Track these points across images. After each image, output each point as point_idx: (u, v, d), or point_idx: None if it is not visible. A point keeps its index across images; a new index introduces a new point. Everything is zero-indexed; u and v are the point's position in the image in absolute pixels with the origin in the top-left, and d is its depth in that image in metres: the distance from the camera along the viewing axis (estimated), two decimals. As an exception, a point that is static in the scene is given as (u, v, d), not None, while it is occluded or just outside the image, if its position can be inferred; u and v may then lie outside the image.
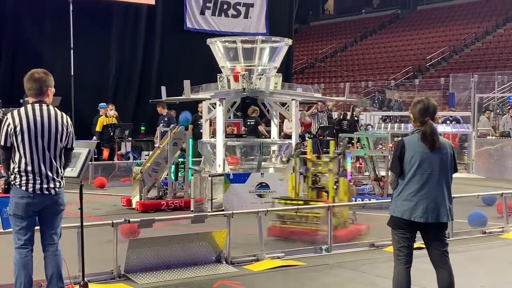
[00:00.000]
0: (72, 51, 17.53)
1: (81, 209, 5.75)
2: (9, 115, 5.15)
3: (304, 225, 8.39)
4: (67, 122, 5.21)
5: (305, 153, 9.34)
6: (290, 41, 12.27)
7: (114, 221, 6.50)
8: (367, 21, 45.25)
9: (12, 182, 5.10)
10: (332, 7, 53.72)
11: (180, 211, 10.59)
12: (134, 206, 10.94)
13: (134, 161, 15.25)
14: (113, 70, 19.75)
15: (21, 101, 15.27)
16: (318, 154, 9.50)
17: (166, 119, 16.43)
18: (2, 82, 17.84)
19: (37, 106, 5.15)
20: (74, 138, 5.29)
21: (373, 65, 36.91)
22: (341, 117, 22.03)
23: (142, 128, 17.68)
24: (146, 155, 16.62)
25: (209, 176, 10.76)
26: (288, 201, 8.93)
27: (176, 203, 10.99)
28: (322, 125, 20.62)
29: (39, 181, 5.07)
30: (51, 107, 5.20)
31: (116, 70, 19.81)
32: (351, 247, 7.87)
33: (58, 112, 5.21)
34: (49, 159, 5.09)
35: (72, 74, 17.42)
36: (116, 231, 6.47)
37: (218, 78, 11.52)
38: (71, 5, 17.61)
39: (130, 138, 16.70)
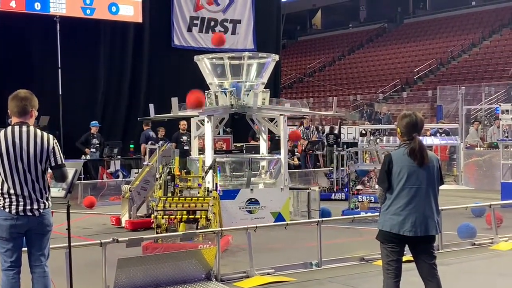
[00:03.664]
0: (59, 70, 17.52)
1: (68, 229, 5.70)
2: None
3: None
4: (48, 142, 5.15)
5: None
6: (277, 57, 12.32)
7: (102, 241, 6.46)
8: (354, 35, 45.53)
9: (-4, 205, 5.07)
10: (319, 22, 54.04)
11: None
12: (123, 224, 10.88)
13: (123, 179, 15.23)
14: (101, 88, 19.73)
15: (9, 121, 15.24)
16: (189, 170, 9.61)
17: (144, 136, 16.54)
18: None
19: (17, 128, 5.13)
20: (60, 155, 5.23)
21: (361, 79, 37.08)
22: (328, 132, 22.12)
23: (131, 146, 17.65)
24: (135, 173, 16.56)
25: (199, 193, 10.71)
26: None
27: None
28: (310, 139, 20.70)
29: (22, 203, 5.04)
30: (31, 128, 5.18)
31: (104, 88, 19.79)
32: (341, 262, 7.86)
33: (39, 133, 5.17)
34: (30, 181, 5.06)
35: (60, 93, 17.40)
36: (105, 250, 6.43)
37: (206, 95, 11.53)
38: (58, 24, 17.64)
39: (119, 156, 16.65)
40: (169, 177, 9.12)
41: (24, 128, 5.15)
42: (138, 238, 6.75)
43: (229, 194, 10.73)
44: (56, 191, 5.54)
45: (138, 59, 20.43)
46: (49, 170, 5.23)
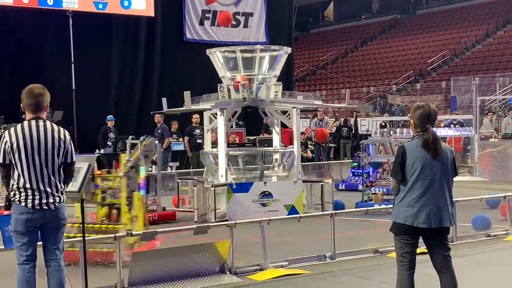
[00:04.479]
0: (73, 65, 17.60)
1: (82, 223, 5.75)
2: (6, 132, 5.17)
3: (98, 247, 7.38)
4: (64, 137, 5.21)
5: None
6: (289, 49, 12.28)
7: (116, 235, 6.49)
8: (367, 26, 45.30)
9: (12, 199, 5.11)
10: (332, 13, 53.81)
11: (154, 225, 10.02)
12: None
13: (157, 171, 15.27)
14: (114, 83, 19.80)
15: (23, 116, 15.32)
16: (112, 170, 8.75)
17: (159, 131, 16.49)
18: (4, 98, 17.88)
19: (33, 122, 5.16)
20: (73, 152, 5.28)
21: (374, 71, 36.91)
22: (341, 124, 22.05)
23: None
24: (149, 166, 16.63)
25: (212, 186, 10.75)
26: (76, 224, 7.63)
27: (149, 217, 10.32)
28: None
29: (38, 197, 5.07)
30: (47, 122, 5.21)
31: (117, 83, 19.86)
32: (355, 254, 7.85)
33: (55, 127, 5.22)
34: (47, 175, 5.09)
35: (73, 88, 17.49)
36: (119, 244, 6.46)
37: (218, 88, 11.53)
38: (70, 19, 17.72)
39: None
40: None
41: (41, 123, 5.18)
42: (152, 231, 6.78)
43: (242, 187, 10.74)
44: (71, 185, 5.57)
45: (150, 53, 20.47)
46: None
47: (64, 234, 5.37)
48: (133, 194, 8.03)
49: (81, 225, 6.55)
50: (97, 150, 16.37)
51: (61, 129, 5.26)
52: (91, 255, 6.99)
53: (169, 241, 7.57)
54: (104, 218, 8.02)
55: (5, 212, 5.33)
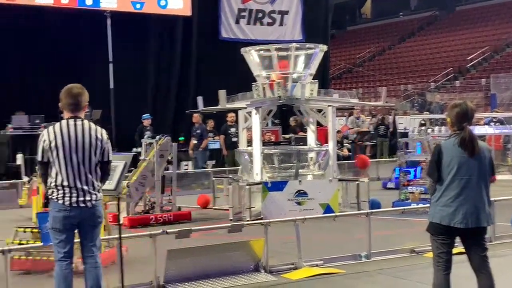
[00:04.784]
0: (110, 64, 17.81)
1: (119, 221, 5.82)
2: (45, 131, 5.27)
3: (45, 255, 7.00)
4: (101, 136, 5.28)
5: None
6: (325, 47, 12.21)
7: (152, 232, 6.55)
8: (405, 23, 44.84)
9: (50, 196, 5.20)
10: (369, 11, 53.38)
11: (170, 225, 10.13)
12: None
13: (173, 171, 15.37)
14: (151, 82, 19.98)
15: (61, 115, 15.55)
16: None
17: (198, 131, 16.55)
18: (44, 97, 18.18)
19: (71, 121, 5.24)
20: (110, 151, 5.35)
21: (412, 68, 36.52)
22: (379, 122, 21.87)
23: (181, 138, 17.81)
24: (185, 165, 16.76)
25: (247, 184, 10.77)
26: (29, 229, 7.35)
27: (164, 217, 10.59)
28: (361, 130, 20.55)
29: (75, 195, 5.15)
30: (85, 121, 5.29)
31: (154, 82, 20.05)
32: (390, 254, 7.77)
33: (93, 126, 5.29)
34: (84, 173, 5.17)
35: (111, 87, 17.70)
36: (155, 242, 6.51)
37: (253, 87, 11.54)
38: (108, 19, 17.93)
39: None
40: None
41: (79, 122, 5.26)
42: (187, 229, 6.82)
43: (277, 186, 10.74)
44: (107, 183, 5.65)
45: (186, 52, 20.59)
46: None
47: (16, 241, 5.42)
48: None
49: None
50: (134, 149, 16.51)
51: (99, 128, 5.33)
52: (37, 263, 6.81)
53: (204, 239, 7.61)
54: None
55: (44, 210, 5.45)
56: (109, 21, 17.93)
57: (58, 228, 5.20)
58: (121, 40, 18.38)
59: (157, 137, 10.97)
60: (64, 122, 5.26)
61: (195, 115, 16.26)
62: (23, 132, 15.70)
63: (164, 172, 11.22)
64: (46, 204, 5.33)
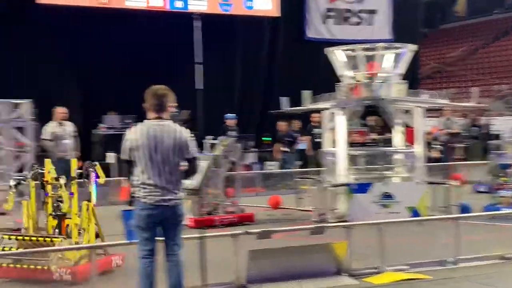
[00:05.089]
0: (196, 65, 18.13)
1: (202, 220, 5.89)
2: (128, 130, 5.43)
3: (32, 263, 6.87)
4: (183, 136, 5.38)
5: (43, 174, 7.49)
6: (414, 47, 11.92)
7: (233, 232, 6.60)
8: (499, 21, 43.18)
9: (134, 195, 5.34)
10: (462, 9, 51.78)
11: (234, 226, 9.91)
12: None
13: (257, 171, 15.54)
14: (238, 82, 20.17)
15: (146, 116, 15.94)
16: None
17: (288, 138, 16.50)
18: (134, 98, 18.67)
19: (155, 122, 5.37)
20: (194, 149, 5.43)
21: (506, 68, 35.13)
22: (471, 123, 21.17)
23: (266, 139, 17.89)
24: (270, 165, 16.81)
25: (331, 186, 10.67)
26: (20, 237, 7.20)
27: (229, 218, 10.50)
28: (452, 131, 19.95)
29: (158, 194, 5.26)
30: (168, 122, 5.40)
31: (240, 82, 20.22)
32: (479, 260, 7.49)
33: (175, 127, 5.40)
34: (166, 173, 5.28)
35: (199, 88, 18.02)
36: (237, 242, 6.55)
37: (338, 87, 11.43)
38: (196, 21, 18.26)
39: (254, 149, 16.91)
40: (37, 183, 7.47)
41: (162, 123, 5.39)
42: (268, 230, 6.83)
43: (362, 188, 10.58)
44: (190, 182, 5.74)
45: (272, 53, 20.67)
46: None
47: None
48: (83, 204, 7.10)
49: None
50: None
51: (181, 128, 5.43)
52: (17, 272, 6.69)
53: (285, 240, 7.59)
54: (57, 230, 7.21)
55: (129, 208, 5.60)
56: (197, 23, 18.25)
57: (142, 226, 5.34)
58: (210, 42, 18.67)
59: (220, 138, 10.99)
60: (147, 122, 5.40)
61: (280, 123, 16.29)
62: (114, 131, 16.18)
63: (229, 173, 11.18)
64: (130, 203, 5.47)
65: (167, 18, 18.76)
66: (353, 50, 11.51)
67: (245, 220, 10.72)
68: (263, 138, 18.14)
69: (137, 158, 5.30)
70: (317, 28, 21.52)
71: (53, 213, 7.23)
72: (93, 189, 7.21)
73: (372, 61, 11.25)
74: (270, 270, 6.67)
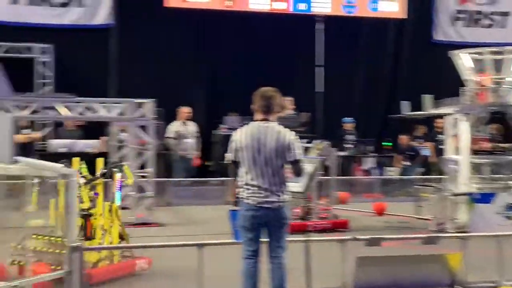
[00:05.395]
0: (317, 68, 18.05)
1: (305, 224, 5.83)
2: (235, 131, 5.47)
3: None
4: (287, 139, 5.33)
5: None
6: (548, 51, 11.17)
7: (341, 238, 6.47)
8: None
9: (239, 196, 5.38)
10: None
11: (327, 233, 9.66)
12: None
13: (377, 177, 15.23)
14: (359, 85, 19.88)
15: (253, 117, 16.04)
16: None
17: (412, 152, 16.01)
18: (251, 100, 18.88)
19: (260, 123, 5.38)
20: (297, 151, 5.36)
21: None
22: None
23: (387, 143, 17.50)
24: (390, 171, 16.43)
25: (452, 195, 10.25)
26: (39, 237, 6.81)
27: (323, 224, 10.12)
28: None
29: (262, 195, 5.27)
30: (273, 124, 5.39)
31: (362, 85, 19.90)
32: None
33: (279, 129, 5.38)
34: (270, 174, 5.28)
35: (320, 90, 17.93)
36: (344, 247, 6.42)
37: (462, 92, 10.95)
38: (320, 23, 18.18)
39: (373, 154, 16.60)
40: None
41: (267, 124, 5.39)
42: (378, 237, 6.64)
43: (485, 198, 10.09)
44: (296, 186, 5.70)
45: (396, 55, 20.17)
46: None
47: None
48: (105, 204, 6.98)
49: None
50: (338, 153, 16.58)
51: (285, 130, 5.40)
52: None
53: (396, 248, 7.37)
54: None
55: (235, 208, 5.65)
56: (319, 25, 18.17)
57: (246, 226, 5.38)
58: (332, 45, 18.54)
59: (315, 141, 10.79)
60: (253, 123, 5.43)
61: (402, 136, 15.89)
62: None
63: (324, 177, 10.93)
64: (236, 203, 5.51)
65: (290, 20, 18.82)
66: (480, 53, 10.98)
67: (339, 226, 10.39)
68: (383, 143, 17.75)
69: (241, 159, 5.34)
70: (445, 30, 20.74)
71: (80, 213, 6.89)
72: (117, 190, 7.16)
73: (499, 65, 10.67)
74: (378, 279, 6.48)
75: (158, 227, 10.52)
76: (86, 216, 6.82)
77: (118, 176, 7.20)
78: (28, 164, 5.26)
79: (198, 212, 11.96)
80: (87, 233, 6.78)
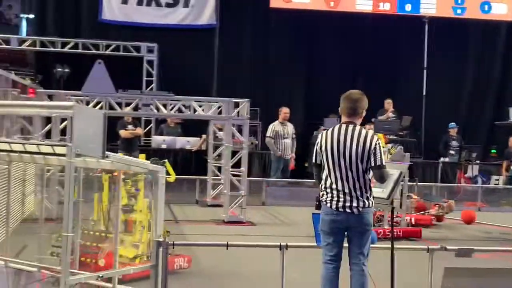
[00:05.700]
0: (425, 71, 17.57)
1: (391, 230, 5.68)
2: (320, 134, 5.40)
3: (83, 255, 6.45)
4: (370, 143, 5.18)
5: None
6: None
7: (430, 247, 6.24)
8: None
9: (321, 199, 5.30)
10: None
11: (398, 241, 9.13)
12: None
13: (481, 185, 14.61)
14: (467, 89, 19.19)
15: (372, 120, 15.84)
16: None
17: None
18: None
19: (344, 126, 5.27)
20: (381, 157, 5.21)
21: None
22: None
23: (493, 151, 16.79)
24: (495, 179, 15.73)
25: None
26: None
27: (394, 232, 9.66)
28: None
29: (343, 199, 5.17)
30: (357, 128, 5.27)
31: (470, 89, 19.21)
32: None
33: (363, 133, 5.24)
34: (351, 178, 5.15)
35: (424, 94, 17.46)
36: (431, 257, 6.19)
37: None
38: (426, 24, 17.70)
39: (478, 161, 15.96)
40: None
41: (350, 127, 5.27)
42: (468, 248, 6.35)
43: None
44: (380, 191, 5.55)
45: (507, 60, 19.28)
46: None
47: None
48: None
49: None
50: (441, 158, 16.11)
51: (370, 134, 5.25)
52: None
53: (489, 260, 7.03)
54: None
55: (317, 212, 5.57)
56: (426, 27, 17.68)
57: (325, 230, 5.30)
58: (438, 47, 18.00)
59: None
60: (338, 126, 5.32)
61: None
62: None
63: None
64: (318, 206, 5.43)
65: (395, 22, 18.45)
66: None
67: (411, 235, 10.01)
68: (491, 150, 17.05)
69: (323, 161, 5.26)
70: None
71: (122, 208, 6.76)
72: None
73: None
74: (467, 291, 6.21)
75: (249, 226, 10.59)
76: (127, 212, 6.88)
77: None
78: (118, 159, 5.39)
79: (291, 213, 11.94)
80: (128, 227, 6.84)
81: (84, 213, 6.20)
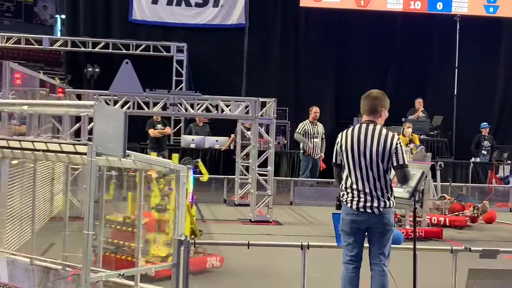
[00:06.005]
0: (456, 70, 17.36)
1: (414, 231, 5.62)
2: (340, 134, 5.36)
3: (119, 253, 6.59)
4: (391, 142, 5.12)
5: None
6: None
7: (453, 248, 6.17)
8: None
9: (341, 199, 5.27)
10: None
11: (419, 241, 8.57)
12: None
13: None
14: (499, 88, 18.90)
15: (403, 120, 15.69)
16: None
17: None
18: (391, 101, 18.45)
19: (364, 125, 5.23)
20: (403, 156, 5.14)
21: None
22: None
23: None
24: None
25: None
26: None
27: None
28: None
29: (363, 199, 5.12)
30: (378, 127, 5.22)
31: (502, 88, 18.90)
32: None
33: (384, 132, 5.18)
34: (372, 178, 5.11)
35: (455, 93, 17.25)
36: (456, 258, 6.12)
37: None
38: (457, 23, 17.48)
39: (509, 161, 15.70)
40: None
41: (371, 127, 5.23)
42: (493, 249, 6.26)
43: None
44: (402, 191, 5.49)
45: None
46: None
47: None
48: None
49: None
50: (472, 159, 15.89)
51: (390, 134, 5.20)
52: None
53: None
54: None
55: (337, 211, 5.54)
56: (458, 26, 17.45)
57: (346, 230, 5.27)
58: (470, 45, 17.76)
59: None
60: (358, 125, 5.29)
61: None
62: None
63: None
64: (338, 206, 5.40)
65: (426, 21, 18.26)
66: None
67: (433, 236, 9.88)
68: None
69: (344, 161, 5.22)
70: None
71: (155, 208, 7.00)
72: (190, 186, 6.93)
73: None
74: (492, 292, 6.12)
75: (276, 225, 10.58)
76: (160, 211, 6.88)
77: (190, 172, 6.88)
78: (139, 159, 5.43)
79: (318, 213, 11.90)
80: (162, 227, 6.84)
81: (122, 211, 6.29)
